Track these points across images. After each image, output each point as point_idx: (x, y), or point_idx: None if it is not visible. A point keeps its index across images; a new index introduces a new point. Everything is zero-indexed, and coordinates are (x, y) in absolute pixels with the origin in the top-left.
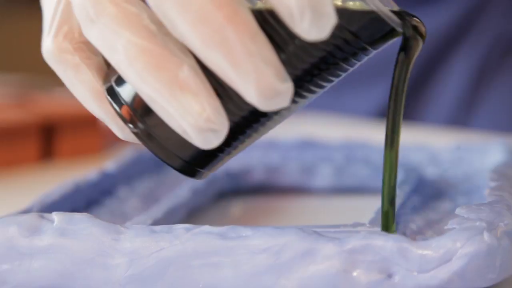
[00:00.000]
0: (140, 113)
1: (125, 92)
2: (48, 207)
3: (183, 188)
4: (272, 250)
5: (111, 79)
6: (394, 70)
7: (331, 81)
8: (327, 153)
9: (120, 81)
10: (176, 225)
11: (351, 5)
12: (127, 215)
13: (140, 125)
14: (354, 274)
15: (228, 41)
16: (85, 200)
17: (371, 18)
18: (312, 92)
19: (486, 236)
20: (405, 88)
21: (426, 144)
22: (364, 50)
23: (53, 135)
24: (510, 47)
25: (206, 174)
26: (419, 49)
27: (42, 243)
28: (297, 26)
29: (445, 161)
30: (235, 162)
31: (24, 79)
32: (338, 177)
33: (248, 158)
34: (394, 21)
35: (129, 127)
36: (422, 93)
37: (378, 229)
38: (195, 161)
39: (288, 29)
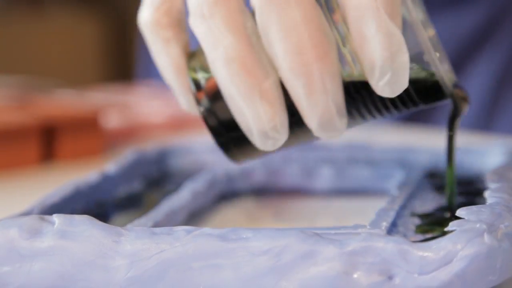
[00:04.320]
0: (211, 99)
1: (204, 78)
2: (49, 209)
3: (184, 190)
4: (273, 252)
5: (197, 62)
6: (448, 127)
7: (377, 117)
8: (328, 154)
9: (205, 68)
10: (177, 227)
11: (422, 75)
12: None
13: (207, 108)
14: (355, 276)
15: (311, 76)
16: (85, 202)
17: (434, 86)
18: (358, 124)
19: (486, 238)
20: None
21: (427, 146)
22: (415, 106)
23: (54, 137)
24: None
25: (242, 162)
26: (464, 113)
27: (42, 245)
28: (375, 82)
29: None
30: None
31: (25, 81)
32: (339, 179)
33: None
34: (449, 91)
35: (198, 107)
36: None
37: (379, 230)
38: (240, 149)
39: (363, 79)
